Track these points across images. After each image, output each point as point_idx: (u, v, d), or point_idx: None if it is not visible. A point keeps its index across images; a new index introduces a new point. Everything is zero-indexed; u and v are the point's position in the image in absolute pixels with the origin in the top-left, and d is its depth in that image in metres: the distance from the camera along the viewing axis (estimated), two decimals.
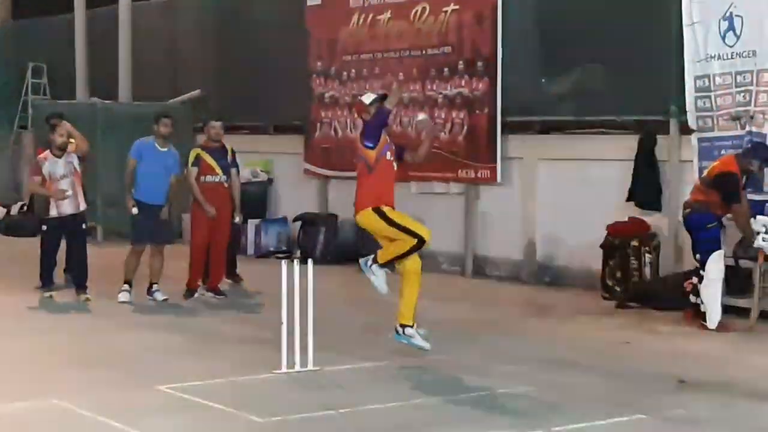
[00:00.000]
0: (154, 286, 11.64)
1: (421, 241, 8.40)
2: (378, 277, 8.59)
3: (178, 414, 7.11)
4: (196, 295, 11.84)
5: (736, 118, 11.02)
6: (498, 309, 11.56)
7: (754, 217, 10.15)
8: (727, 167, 10.24)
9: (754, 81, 10.89)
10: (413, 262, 8.52)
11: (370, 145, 8.49)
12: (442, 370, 8.36)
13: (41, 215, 11.77)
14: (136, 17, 19.26)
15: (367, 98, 8.77)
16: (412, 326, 8.48)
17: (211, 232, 11.84)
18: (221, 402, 7.30)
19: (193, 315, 11.12)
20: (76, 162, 11.33)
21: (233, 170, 12.13)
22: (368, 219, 8.53)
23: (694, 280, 10.30)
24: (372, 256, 8.61)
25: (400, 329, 8.48)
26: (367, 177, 8.57)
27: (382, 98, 8.62)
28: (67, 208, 11.26)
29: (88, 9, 20.25)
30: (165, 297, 11.58)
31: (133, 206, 11.49)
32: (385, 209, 8.49)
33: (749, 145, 10.57)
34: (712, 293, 10.12)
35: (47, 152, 11.34)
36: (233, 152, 12.53)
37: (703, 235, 10.20)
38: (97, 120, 17.03)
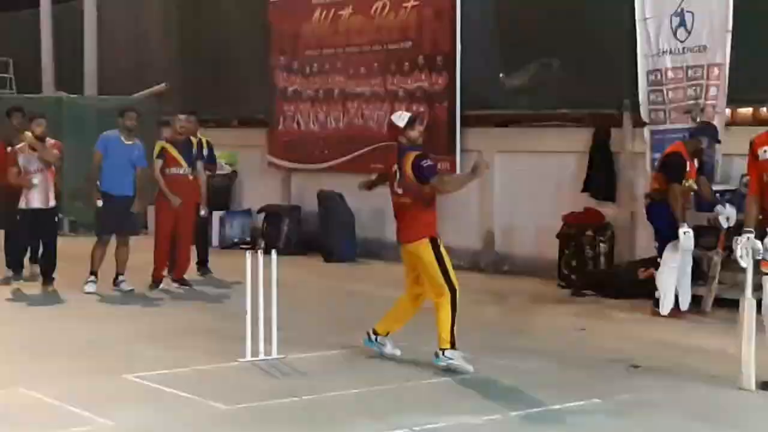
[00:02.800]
0: (120, 277, 11.58)
1: (455, 294, 7.94)
2: (456, 360, 7.87)
3: (144, 402, 7.08)
4: (161, 285, 11.79)
5: (687, 111, 11.11)
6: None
7: (723, 206, 10.15)
8: (672, 149, 10.34)
9: (705, 75, 10.98)
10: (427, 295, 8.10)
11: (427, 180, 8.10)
12: (403, 358, 8.37)
13: (7, 208, 11.62)
14: (101, 12, 19.13)
15: (401, 120, 8.17)
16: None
17: (176, 224, 11.80)
18: (187, 390, 7.28)
19: (159, 305, 11.07)
20: None
21: (199, 163, 12.10)
22: (425, 248, 8.04)
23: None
24: (435, 352, 7.97)
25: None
26: (424, 209, 8.14)
27: (416, 119, 8.24)
28: (35, 202, 11.14)
29: (53, 4, 20.08)
30: (131, 288, 11.52)
31: (98, 199, 11.42)
32: (440, 243, 8.10)
33: (696, 125, 10.61)
34: (666, 280, 10.17)
35: (24, 144, 11.22)
36: (210, 145, 12.75)
37: (661, 223, 10.22)
38: (63, 113, 16.91)
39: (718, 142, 10.43)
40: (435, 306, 8.04)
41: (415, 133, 8.14)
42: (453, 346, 7.91)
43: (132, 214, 11.59)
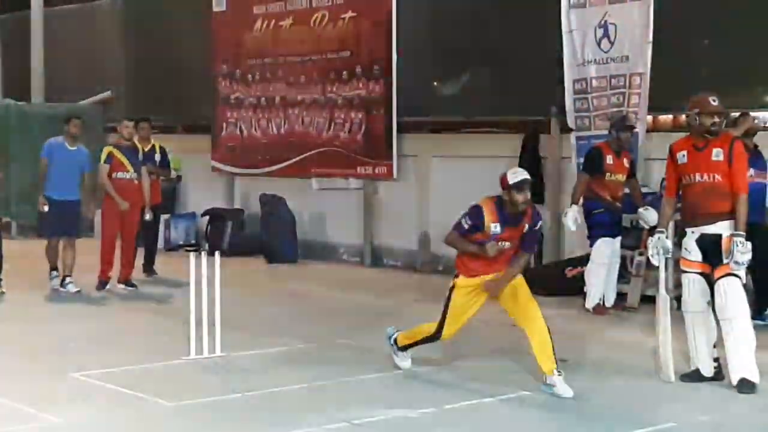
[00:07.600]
0: (67, 279, 11.44)
1: (437, 335, 7.59)
2: (398, 359, 7.80)
3: (91, 400, 6.98)
4: (107, 286, 11.67)
5: (610, 118, 11.23)
6: (395, 296, 11.61)
7: (644, 209, 10.18)
8: (595, 145, 10.47)
9: (627, 84, 11.13)
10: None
11: None
12: (344, 354, 8.37)
13: None
14: (49, 20, 18.87)
15: (514, 176, 7.18)
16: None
17: (122, 227, 11.70)
18: (132, 388, 7.19)
19: (105, 305, 10.95)
20: None
21: (143, 167, 11.99)
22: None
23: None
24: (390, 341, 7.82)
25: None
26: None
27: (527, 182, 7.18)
28: None
29: (1, 13, 19.78)
30: (77, 289, 11.38)
31: (44, 204, 11.30)
32: (457, 288, 7.78)
33: (611, 122, 10.68)
34: (593, 276, 10.27)
35: None
36: (163, 150, 12.98)
37: (591, 220, 10.28)
38: (10, 120, 16.69)
39: (633, 127, 10.52)
40: (425, 324, 7.74)
41: (520, 197, 7.14)
42: (404, 350, 7.84)
43: (75, 218, 11.47)
